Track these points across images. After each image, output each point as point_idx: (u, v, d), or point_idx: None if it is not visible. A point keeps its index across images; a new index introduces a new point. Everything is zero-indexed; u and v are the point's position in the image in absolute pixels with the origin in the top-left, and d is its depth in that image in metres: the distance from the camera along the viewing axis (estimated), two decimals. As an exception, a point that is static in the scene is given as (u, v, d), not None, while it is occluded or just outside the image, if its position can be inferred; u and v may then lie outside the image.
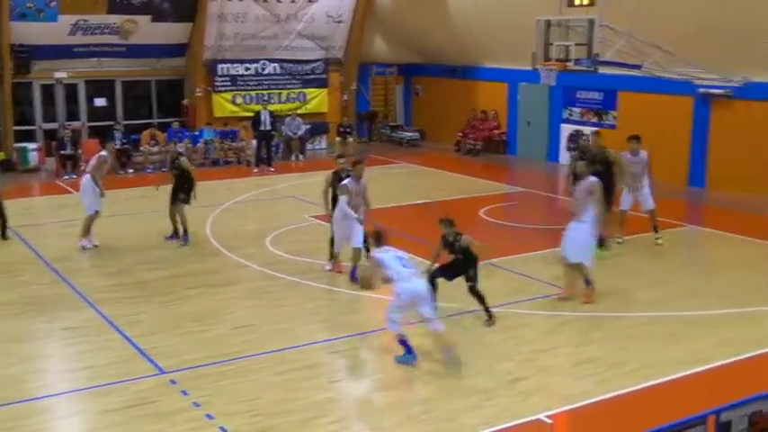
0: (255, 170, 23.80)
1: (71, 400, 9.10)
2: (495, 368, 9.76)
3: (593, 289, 12.11)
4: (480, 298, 11.21)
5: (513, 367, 9.81)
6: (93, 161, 15.65)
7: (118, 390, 9.17)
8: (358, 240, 13.09)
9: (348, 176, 13.37)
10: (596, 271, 13.43)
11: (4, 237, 15.90)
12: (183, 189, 15.42)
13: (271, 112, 24.51)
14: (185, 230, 15.56)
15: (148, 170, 23.44)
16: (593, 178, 12.40)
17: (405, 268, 9.83)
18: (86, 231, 15.32)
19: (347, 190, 12.97)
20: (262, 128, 24.05)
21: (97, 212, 15.39)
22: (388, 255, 9.92)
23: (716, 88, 19.73)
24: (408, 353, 9.88)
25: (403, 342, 9.87)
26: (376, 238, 10.41)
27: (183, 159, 15.90)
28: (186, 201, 15.47)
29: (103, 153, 15.76)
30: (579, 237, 12.14)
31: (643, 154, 14.98)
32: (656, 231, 15.14)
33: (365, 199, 13.35)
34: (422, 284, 9.95)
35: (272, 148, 24.65)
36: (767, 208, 18.17)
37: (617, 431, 8.39)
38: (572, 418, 8.76)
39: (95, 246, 15.31)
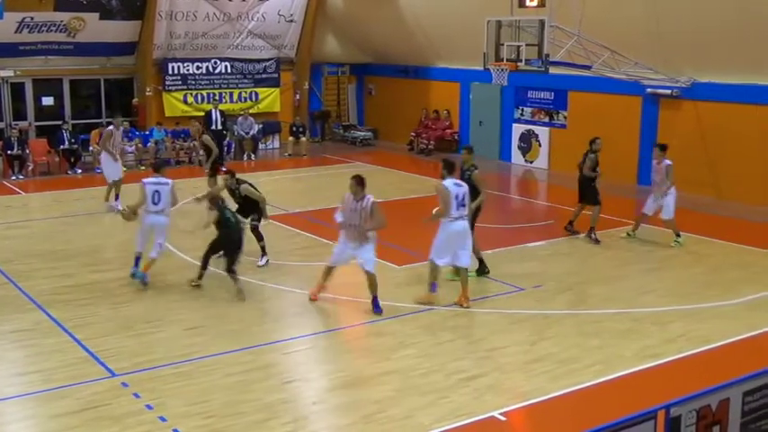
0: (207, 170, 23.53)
1: (21, 405, 8.92)
2: (450, 366, 9.80)
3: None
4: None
5: (468, 365, 9.85)
6: (103, 136, 18.20)
7: (69, 393, 9.01)
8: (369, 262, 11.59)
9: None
10: (551, 269, 13.61)
11: None
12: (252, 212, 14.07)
13: (222, 112, 24.31)
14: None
15: (98, 170, 23.06)
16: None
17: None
18: (109, 196, 17.87)
19: (342, 202, 11.76)
20: (213, 127, 23.83)
21: (116, 180, 17.89)
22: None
23: (663, 88, 20.07)
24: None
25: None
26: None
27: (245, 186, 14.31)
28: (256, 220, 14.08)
29: (109, 127, 18.26)
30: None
31: (666, 162, 15.25)
32: (678, 236, 15.39)
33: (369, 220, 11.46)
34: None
35: (223, 147, 24.42)
36: (714, 207, 18.55)
37: (571, 427, 8.47)
38: (526, 414, 8.83)
39: (119, 210, 16.66)
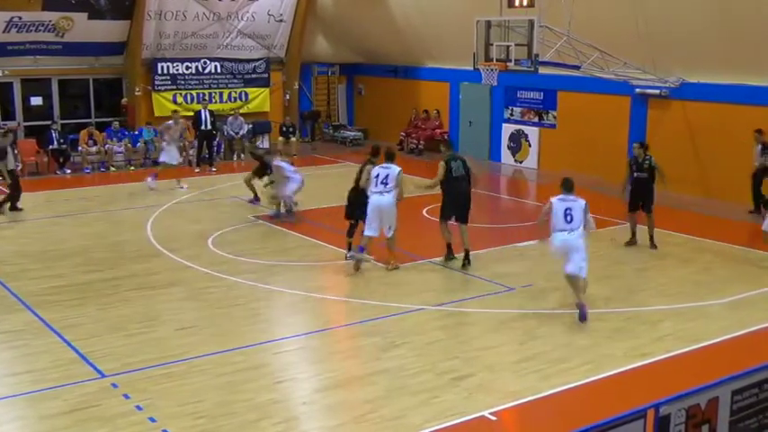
0: (197, 170, 23.55)
1: (11, 406, 8.88)
2: (441, 366, 9.81)
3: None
4: None
5: (459, 365, 9.87)
6: (162, 128, 21.29)
7: (59, 394, 8.98)
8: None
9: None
10: (541, 268, 13.64)
11: None
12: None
13: (211, 112, 24.28)
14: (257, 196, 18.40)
15: (87, 170, 23.03)
16: None
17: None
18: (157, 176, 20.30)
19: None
20: (203, 127, 23.81)
21: (172, 164, 20.79)
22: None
23: (652, 88, 20.14)
24: None
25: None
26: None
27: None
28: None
29: (169, 122, 21.32)
30: None
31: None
32: None
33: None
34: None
35: (213, 147, 24.41)
36: (703, 206, 18.62)
37: (561, 426, 8.49)
38: (516, 414, 8.85)
39: (152, 188, 19.88)
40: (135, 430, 8.23)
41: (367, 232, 13.50)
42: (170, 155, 20.91)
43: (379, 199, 13.39)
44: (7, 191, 17.97)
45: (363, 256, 13.50)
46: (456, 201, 13.88)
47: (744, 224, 17.35)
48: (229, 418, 8.47)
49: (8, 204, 17.71)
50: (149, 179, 20.30)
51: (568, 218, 11.41)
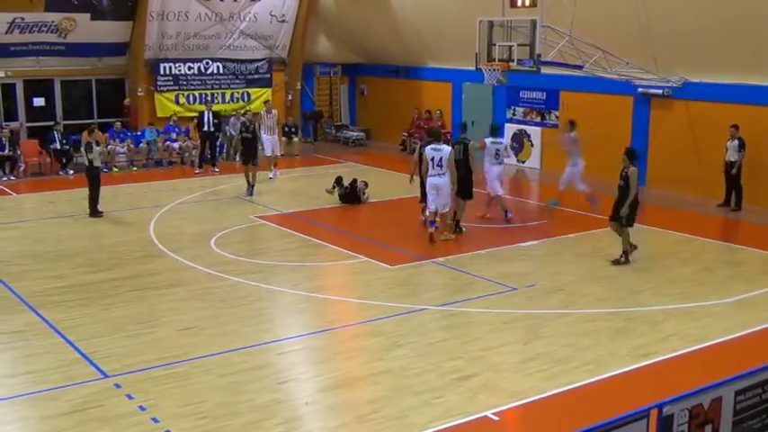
0: (198, 171, 23.54)
1: (13, 406, 8.88)
2: (444, 366, 9.80)
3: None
4: None
5: (462, 365, 9.86)
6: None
7: (61, 395, 8.99)
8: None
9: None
10: (543, 269, 13.64)
11: None
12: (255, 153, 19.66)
13: (214, 113, 24.27)
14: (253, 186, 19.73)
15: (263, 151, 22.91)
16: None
17: None
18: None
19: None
20: (205, 128, 23.81)
21: (275, 156, 22.41)
22: None
23: (655, 88, 20.12)
24: None
25: None
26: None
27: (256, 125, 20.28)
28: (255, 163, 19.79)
29: (261, 111, 22.89)
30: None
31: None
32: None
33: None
34: None
35: (215, 148, 24.42)
36: (705, 206, 18.60)
37: (564, 427, 8.48)
38: (520, 414, 8.84)
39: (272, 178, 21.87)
40: (138, 430, 8.23)
41: (430, 207, 15.25)
42: (269, 144, 22.18)
43: (437, 180, 14.97)
44: None
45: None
46: (459, 181, 15.44)
47: (747, 224, 17.34)
48: (232, 418, 8.47)
49: None
50: (271, 173, 22.22)
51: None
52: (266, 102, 24.26)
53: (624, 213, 13.79)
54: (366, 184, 19.37)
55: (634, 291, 12.85)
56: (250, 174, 19.94)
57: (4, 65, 23.68)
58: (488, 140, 17.35)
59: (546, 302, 12.18)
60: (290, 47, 28.25)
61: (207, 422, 8.39)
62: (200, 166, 23.75)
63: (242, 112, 24.35)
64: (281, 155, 24.07)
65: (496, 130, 17.99)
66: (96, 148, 17.78)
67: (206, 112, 23.94)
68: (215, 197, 20.15)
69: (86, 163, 17.80)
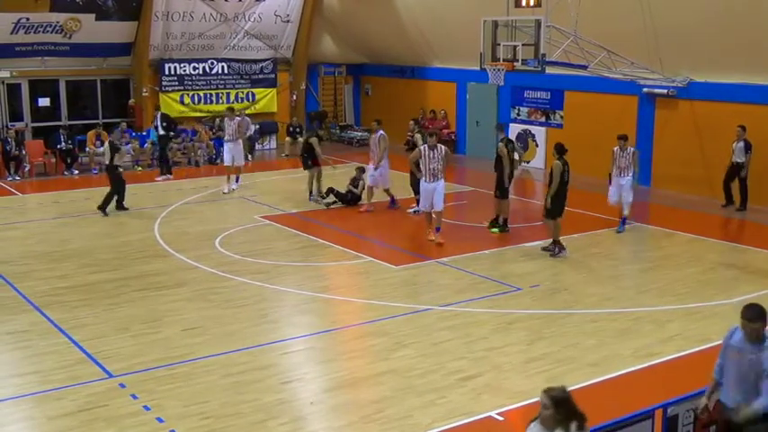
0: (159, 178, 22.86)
1: (18, 406, 8.90)
2: (448, 366, 9.80)
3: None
4: None
5: (466, 365, 9.86)
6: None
7: (66, 394, 9.01)
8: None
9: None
10: (548, 269, 13.62)
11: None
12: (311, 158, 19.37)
13: (164, 115, 23.15)
14: (314, 191, 19.30)
15: (94, 171, 23.06)
16: None
17: None
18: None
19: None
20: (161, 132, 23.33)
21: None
22: None
23: (659, 88, 20.10)
24: None
25: None
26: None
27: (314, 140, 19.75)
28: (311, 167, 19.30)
29: (247, 118, 22.71)
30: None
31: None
32: None
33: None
34: None
35: (165, 151, 23.90)
36: (710, 206, 18.57)
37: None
38: (524, 414, 8.81)
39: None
40: (143, 430, 8.25)
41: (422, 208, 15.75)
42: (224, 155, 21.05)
43: (432, 185, 15.17)
44: None
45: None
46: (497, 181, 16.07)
47: (751, 224, 17.30)
48: (236, 418, 8.48)
49: None
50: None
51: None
52: (230, 109, 21.66)
53: (547, 205, 14.51)
54: (363, 170, 19.44)
55: (639, 291, 12.85)
56: (312, 179, 19.43)
57: (10, 65, 23.74)
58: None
59: (550, 303, 12.18)
60: (294, 47, 28.27)
61: (211, 422, 8.40)
62: (162, 172, 22.66)
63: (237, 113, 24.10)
64: (248, 162, 22.76)
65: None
66: (123, 148, 18.13)
67: (157, 114, 23.19)
68: (220, 197, 20.16)
69: (107, 162, 18.21)
